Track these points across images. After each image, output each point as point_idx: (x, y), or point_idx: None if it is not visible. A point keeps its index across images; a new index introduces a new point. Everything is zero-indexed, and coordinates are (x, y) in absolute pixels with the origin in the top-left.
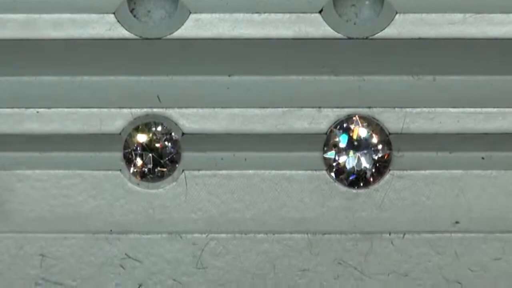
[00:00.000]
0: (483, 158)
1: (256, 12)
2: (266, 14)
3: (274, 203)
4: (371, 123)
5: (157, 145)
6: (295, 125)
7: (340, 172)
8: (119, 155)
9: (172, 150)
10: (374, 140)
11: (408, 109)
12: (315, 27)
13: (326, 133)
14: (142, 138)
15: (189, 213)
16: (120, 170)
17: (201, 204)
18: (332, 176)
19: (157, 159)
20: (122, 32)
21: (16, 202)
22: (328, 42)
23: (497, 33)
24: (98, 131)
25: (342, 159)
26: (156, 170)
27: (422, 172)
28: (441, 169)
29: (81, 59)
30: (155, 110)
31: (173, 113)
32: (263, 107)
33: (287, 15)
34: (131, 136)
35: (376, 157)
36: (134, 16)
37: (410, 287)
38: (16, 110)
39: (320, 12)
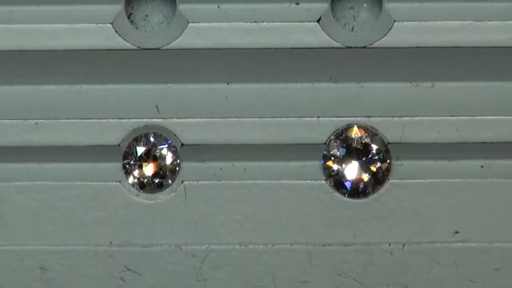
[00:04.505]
0: (482, 166)
1: (254, 21)
2: (264, 23)
3: (273, 213)
4: (370, 133)
5: (156, 155)
6: (294, 135)
7: (340, 182)
8: (118, 166)
9: (171, 160)
10: (373, 149)
11: (407, 118)
12: (313, 36)
13: (325, 143)
14: (141, 149)
15: (188, 224)
16: (120, 181)
17: (200, 215)
18: (332, 186)
19: (157, 170)
20: (120, 42)
21: (15, 214)
22: (326, 51)
23: (496, 40)
24: (97, 142)
25: (341, 168)
26: (155, 181)
27: (422, 181)
28: (441, 178)
29: (79, 69)
30: (154, 120)
31: (172, 123)
32: (262, 117)
33: (285, 24)
34: (130, 147)
35: (375, 167)
36: (132, 21)
37: None
38: (14, 121)
39: (318, 21)
